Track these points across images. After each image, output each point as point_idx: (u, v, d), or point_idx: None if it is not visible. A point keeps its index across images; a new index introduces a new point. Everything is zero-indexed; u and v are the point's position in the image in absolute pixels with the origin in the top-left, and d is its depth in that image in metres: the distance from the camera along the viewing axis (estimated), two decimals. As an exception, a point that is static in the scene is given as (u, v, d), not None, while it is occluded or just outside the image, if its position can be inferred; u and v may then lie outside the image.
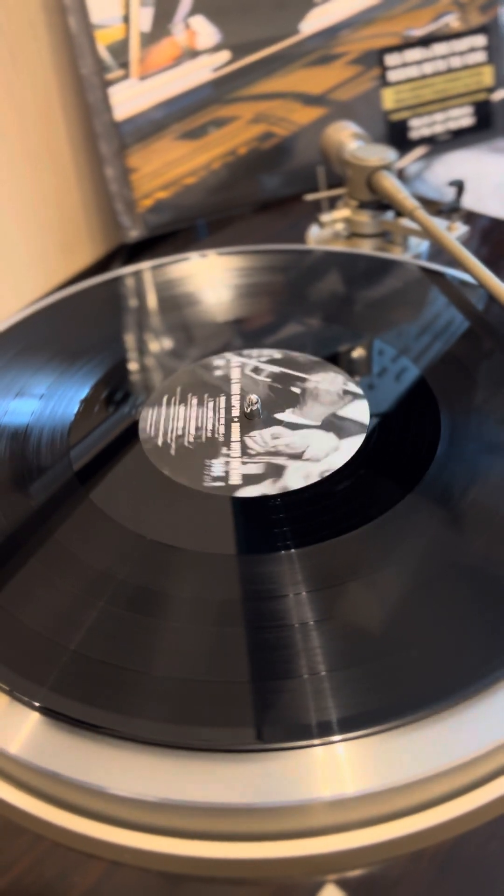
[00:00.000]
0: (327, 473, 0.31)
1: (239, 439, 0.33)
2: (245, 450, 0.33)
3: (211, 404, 0.35)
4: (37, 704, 0.25)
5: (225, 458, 0.32)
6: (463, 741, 0.24)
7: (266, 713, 0.24)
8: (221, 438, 0.33)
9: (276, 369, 0.37)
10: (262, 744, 0.23)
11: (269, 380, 0.36)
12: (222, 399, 0.35)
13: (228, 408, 0.35)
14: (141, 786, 0.23)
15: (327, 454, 0.32)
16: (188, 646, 0.26)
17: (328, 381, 0.36)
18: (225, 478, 0.31)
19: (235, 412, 0.35)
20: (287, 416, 0.34)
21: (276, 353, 0.38)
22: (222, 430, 0.34)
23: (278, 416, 0.34)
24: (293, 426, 0.34)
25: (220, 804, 0.23)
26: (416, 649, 0.25)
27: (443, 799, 0.24)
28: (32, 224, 0.55)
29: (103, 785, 0.23)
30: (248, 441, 0.33)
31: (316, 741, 0.23)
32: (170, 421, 0.34)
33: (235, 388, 0.36)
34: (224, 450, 0.33)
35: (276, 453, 0.32)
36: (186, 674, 0.25)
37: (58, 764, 0.24)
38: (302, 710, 0.24)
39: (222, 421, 0.34)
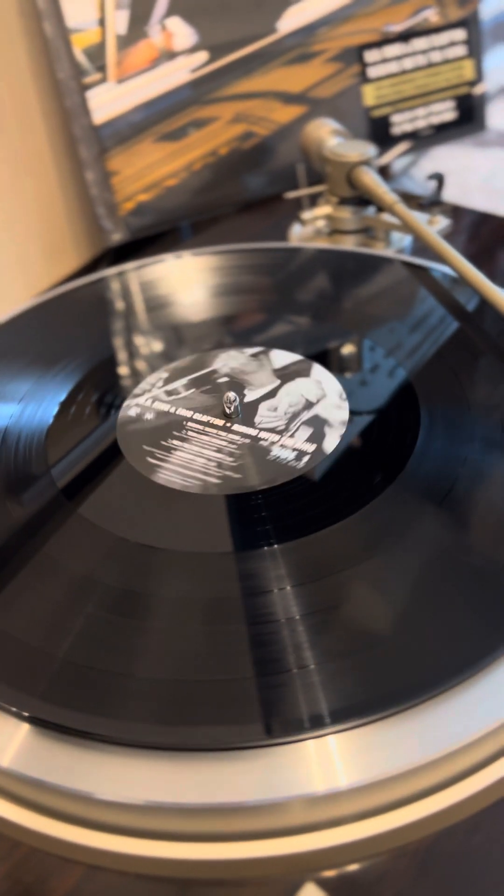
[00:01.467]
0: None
1: (218, 434, 0.33)
2: (222, 445, 0.32)
3: (190, 402, 0.35)
4: (25, 714, 0.24)
5: (206, 451, 0.32)
6: (442, 734, 0.23)
7: (236, 711, 0.24)
8: (199, 434, 0.33)
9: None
10: (241, 742, 0.23)
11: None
12: (201, 397, 0.35)
13: (206, 406, 0.35)
14: (128, 790, 0.23)
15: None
16: (173, 646, 0.26)
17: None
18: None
19: (213, 412, 0.34)
20: (263, 414, 0.34)
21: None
22: (202, 426, 0.34)
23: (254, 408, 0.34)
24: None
25: (196, 805, 0.22)
26: (387, 645, 0.25)
27: (424, 794, 0.24)
28: (16, 230, 0.55)
29: (90, 790, 0.23)
30: (224, 436, 0.33)
31: (293, 738, 0.23)
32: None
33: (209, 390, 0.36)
34: (202, 444, 0.33)
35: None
36: (172, 674, 0.25)
37: (44, 772, 0.24)
38: (272, 709, 0.24)
39: (201, 418, 0.34)
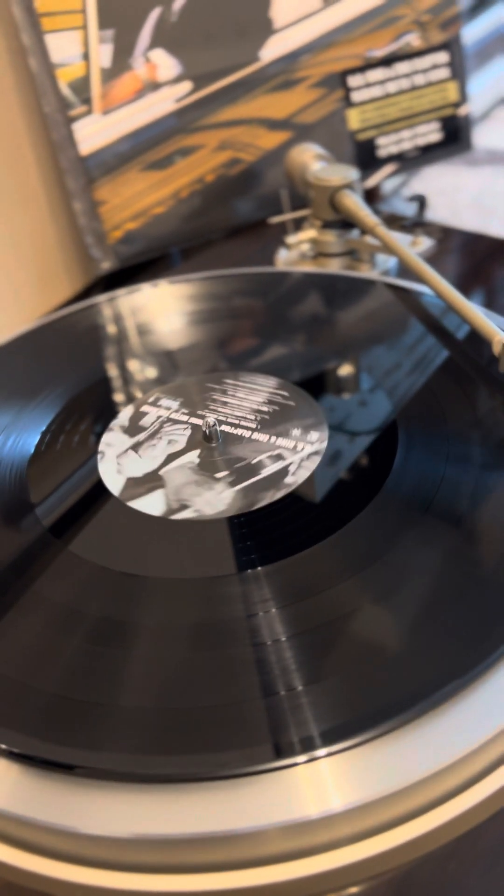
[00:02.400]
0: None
1: (191, 460, 0.33)
2: (200, 468, 0.33)
3: (173, 425, 0.35)
4: (4, 748, 0.24)
5: (185, 475, 0.32)
6: (419, 759, 0.23)
7: (219, 739, 0.24)
8: (178, 461, 0.33)
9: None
10: (221, 770, 0.23)
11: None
12: (178, 427, 0.35)
13: (184, 432, 0.35)
14: (114, 823, 0.23)
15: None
16: (157, 674, 0.26)
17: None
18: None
19: (195, 436, 0.35)
20: (243, 435, 0.34)
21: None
22: (183, 450, 0.34)
23: (235, 433, 0.34)
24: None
25: (171, 836, 0.22)
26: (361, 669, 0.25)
27: (402, 820, 0.23)
28: (8, 261, 0.56)
29: (74, 825, 0.23)
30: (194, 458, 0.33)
31: (277, 764, 0.23)
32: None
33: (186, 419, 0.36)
34: (182, 468, 0.33)
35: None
36: (156, 703, 0.25)
37: (26, 807, 0.23)
38: (243, 737, 0.24)
39: (183, 442, 0.34)
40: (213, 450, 0.34)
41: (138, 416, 0.36)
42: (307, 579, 0.28)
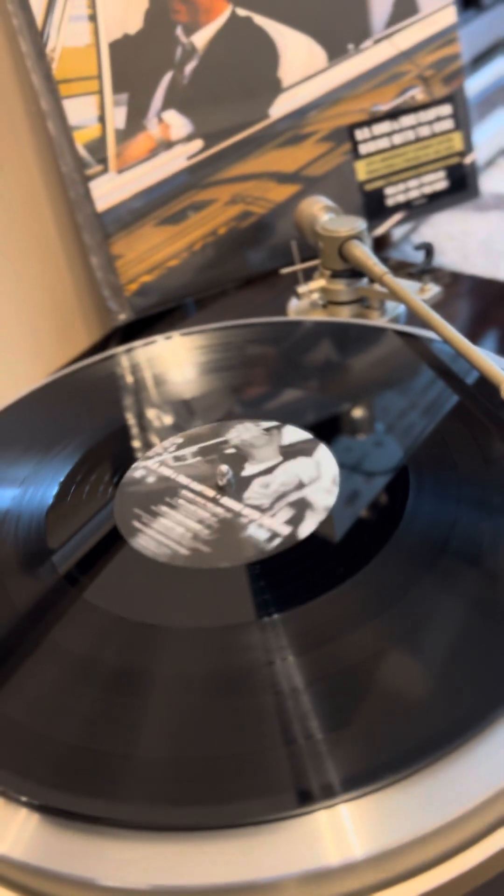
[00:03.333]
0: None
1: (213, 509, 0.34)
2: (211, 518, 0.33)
3: (192, 469, 0.36)
4: (25, 800, 0.24)
5: (188, 521, 0.33)
6: (442, 803, 0.23)
7: (239, 787, 0.24)
8: (188, 503, 0.34)
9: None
10: (242, 819, 0.23)
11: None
12: (190, 476, 0.36)
13: (198, 479, 0.36)
14: (132, 874, 0.23)
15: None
16: (175, 723, 0.26)
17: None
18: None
19: (208, 482, 0.35)
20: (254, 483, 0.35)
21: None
22: (193, 495, 0.34)
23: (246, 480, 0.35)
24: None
25: (189, 887, 0.22)
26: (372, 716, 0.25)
27: (424, 867, 0.23)
28: (27, 314, 0.57)
29: (92, 876, 0.23)
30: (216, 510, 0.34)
31: (297, 812, 0.23)
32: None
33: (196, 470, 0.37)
34: (187, 513, 0.33)
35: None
36: (175, 752, 0.25)
37: (43, 858, 0.23)
38: (262, 784, 0.24)
39: (196, 487, 0.35)
40: (228, 496, 0.34)
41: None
42: (323, 626, 0.28)
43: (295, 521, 0.33)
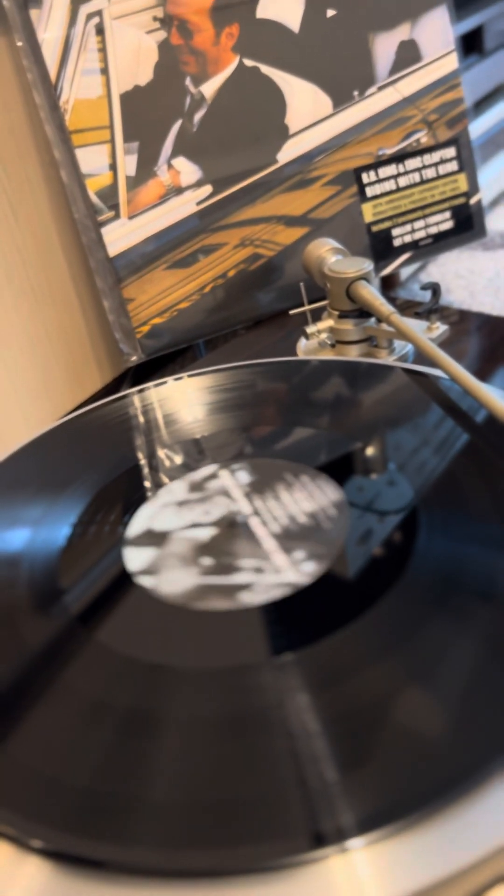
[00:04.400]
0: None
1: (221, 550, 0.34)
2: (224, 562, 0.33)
3: (200, 512, 0.36)
4: (34, 845, 0.24)
5: (201, 571, 0.33)
6: (464, 844, 0.23)
7: (253, 831, 0.24)
8: (201, 548, 0.34)
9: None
10: (257, 863, 0.23)
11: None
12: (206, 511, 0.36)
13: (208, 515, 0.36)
14: None
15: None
16: (187, 766, 0.26)
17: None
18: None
19: (220, 523, 0.35)
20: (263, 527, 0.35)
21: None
22: (205, 534, 0.35)
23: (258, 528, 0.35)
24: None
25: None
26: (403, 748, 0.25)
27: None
28: (41, 356, 0.58)
29: None
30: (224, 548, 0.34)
31: (311, 857, 0.23)
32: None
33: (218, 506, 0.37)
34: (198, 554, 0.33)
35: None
36: (188, 796, 0.25)
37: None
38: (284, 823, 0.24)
39: (207, 526, 0.35)
40: (237, 536, 0.34)
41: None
42: (335, 666, 0.28)
43: (305, 561, 0.33)
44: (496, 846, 0.23)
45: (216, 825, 0.24)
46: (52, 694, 0.29)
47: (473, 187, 0.62)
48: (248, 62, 0.55)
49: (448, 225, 0.62)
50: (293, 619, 0.30)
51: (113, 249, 0.54)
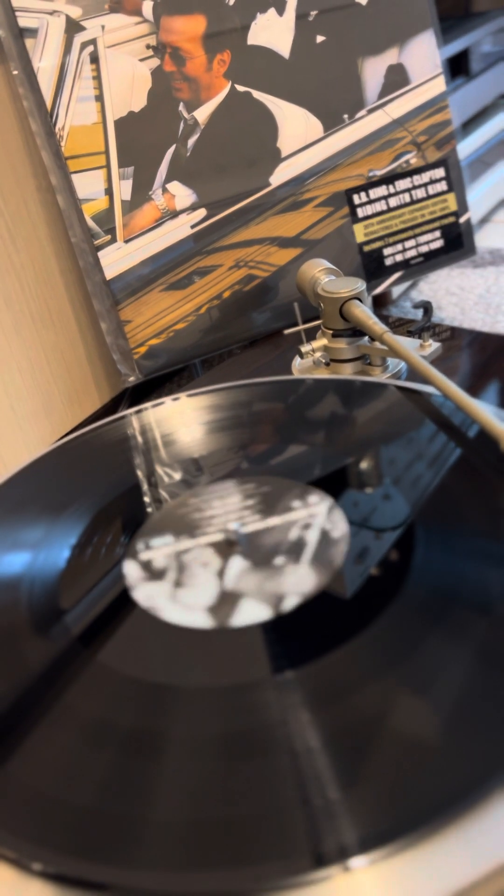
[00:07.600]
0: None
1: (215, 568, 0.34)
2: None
3: (199, 529, 0.37)
4: (37, 868, 0.24)
5: (211, 582, 0.33)
6: (467, 860, 0.23)
7: (256, 851, 0.24)
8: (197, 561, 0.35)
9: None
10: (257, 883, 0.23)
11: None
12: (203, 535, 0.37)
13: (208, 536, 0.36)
14: None
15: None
16: (190, 786, 0.26)
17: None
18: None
19: (219, 541, 0.36)
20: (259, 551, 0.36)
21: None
22: (205, 553, 0.35)
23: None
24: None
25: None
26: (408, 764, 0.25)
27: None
28: (41, 378, 0.59)
29: None
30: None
31: (315, 877, 0.23)
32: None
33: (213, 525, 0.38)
34: (198, 571, 0.34)
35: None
36: (189, 816, 0.25)
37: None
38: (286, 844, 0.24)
39: (207, 545, 0.36)
40: (237, 554, 0.35)
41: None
42: (336, 683, 0.28)
43: (305, 579, 0.33)
44: (499, 863, 0.23)
45: (219, 846, 0.24)
46: (53, 715, 0.30)
47: (462, 206, 0.63)
48: (240, 88, 0.56)
49: (438, 244, 0.63)
50: (292, 637, 0.31)
51: (110, 272, 0.55)
